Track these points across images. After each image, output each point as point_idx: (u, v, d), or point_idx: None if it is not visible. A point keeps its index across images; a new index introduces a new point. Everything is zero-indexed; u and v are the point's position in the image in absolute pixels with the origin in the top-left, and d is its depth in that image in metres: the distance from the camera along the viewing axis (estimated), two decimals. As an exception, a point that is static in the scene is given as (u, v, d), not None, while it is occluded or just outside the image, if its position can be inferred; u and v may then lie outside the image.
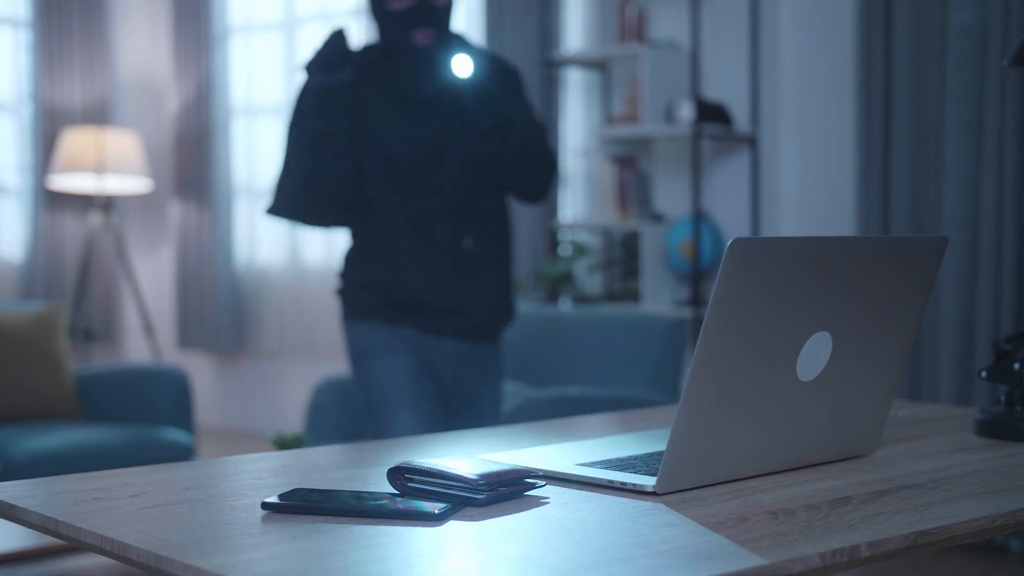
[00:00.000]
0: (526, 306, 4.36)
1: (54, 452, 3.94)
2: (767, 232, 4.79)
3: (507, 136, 2.78)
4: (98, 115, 6.55)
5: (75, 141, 6.02)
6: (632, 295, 5.16)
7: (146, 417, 4.37)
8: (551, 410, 3.39)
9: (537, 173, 2.89)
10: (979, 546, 4.23)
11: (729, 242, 1.20)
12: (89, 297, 6.49)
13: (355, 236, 2.93)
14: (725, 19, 4.89)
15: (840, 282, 1.34)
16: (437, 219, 2.84)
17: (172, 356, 6.81)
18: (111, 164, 6.05)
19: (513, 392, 3.67)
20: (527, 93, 2.99)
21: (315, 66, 2.76)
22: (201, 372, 6.78)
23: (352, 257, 2.93)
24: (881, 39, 4.41)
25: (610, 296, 5.28)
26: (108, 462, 3.98)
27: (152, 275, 6.92)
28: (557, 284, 5.30)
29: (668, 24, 5.09)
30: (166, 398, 4.41)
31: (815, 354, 1.35)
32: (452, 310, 2.87)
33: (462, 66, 2.68)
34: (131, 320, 6.76)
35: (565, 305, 5.18)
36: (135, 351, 6.77)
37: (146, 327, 6.31)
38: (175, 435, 4.23)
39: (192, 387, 4.50)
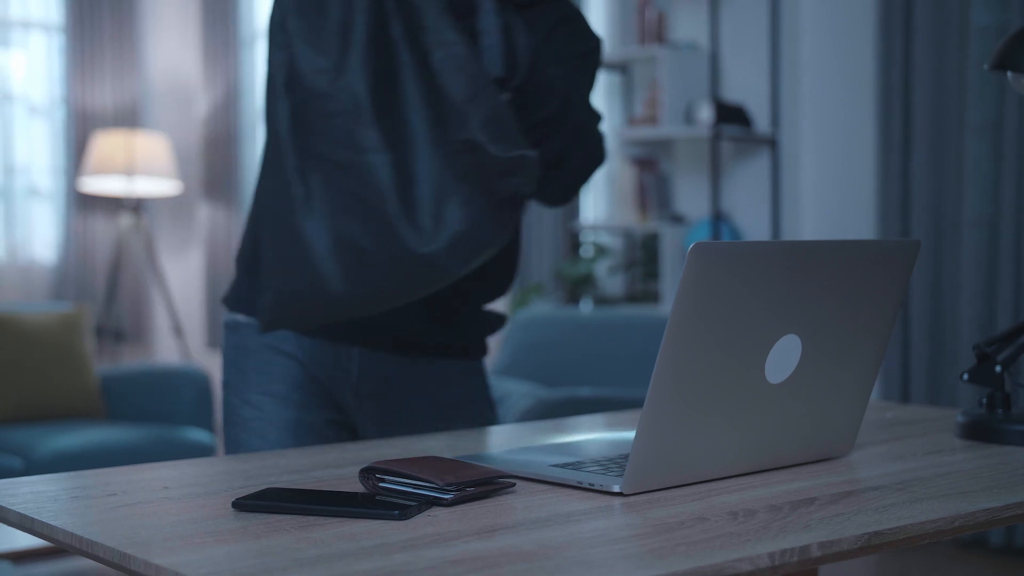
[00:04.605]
0: (545, 307, 4.38)
1: (76, 451, 4.00)
2: (788, 234, 4.78)
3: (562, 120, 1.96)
4: (128, 118, 6.62)
5: (106, 144, 6.09)
6: (653, 296, 5.17)
7: (169, 417, 4.43)
8: (563, 411, 3.40)
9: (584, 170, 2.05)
10: (999, 547, 4.21)
11: (690, 247, 1.21)
12: (119, 298, 6.56)
13: None
14: (745, 21, 4.89)
15: (809, 286, 1.35)
16: None
17: (201, 357, 6.87)
18: (141, 167, 6.11)
19: (527, 393, 3.69)
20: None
21: None
22: (230, 372, 6.82)
23: None
24: (901, 40, 4.40)
25: (631, 297, 5.29)
26: (129, 461, 4.03)
27: (181, 276, 6.98)
28: (578, 286, 5.32)
29: (688, 26, 5.10)
30: (189, 398, 4.47)
31: (784, 357, 1.36)
32: None
33: None
34: (160, 321, 6.83)
35: (586, 307, 5.19)
36: (164, 352, 6.84)
37: (175, 328, 6.37)
38: (196, 435, 4.28)
39: (215, 387, 4.55)
